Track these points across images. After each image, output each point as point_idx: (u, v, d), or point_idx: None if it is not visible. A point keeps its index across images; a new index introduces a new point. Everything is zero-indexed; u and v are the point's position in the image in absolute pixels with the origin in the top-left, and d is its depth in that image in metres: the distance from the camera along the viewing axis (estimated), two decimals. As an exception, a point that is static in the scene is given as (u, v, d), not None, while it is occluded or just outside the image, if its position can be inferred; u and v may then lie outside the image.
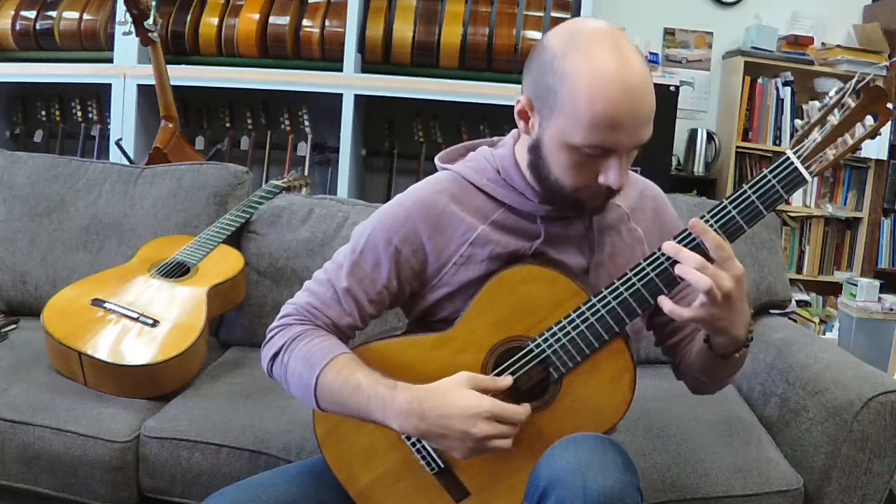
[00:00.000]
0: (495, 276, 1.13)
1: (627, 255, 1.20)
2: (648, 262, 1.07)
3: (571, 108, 1.01)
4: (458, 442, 1.03)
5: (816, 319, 3.70)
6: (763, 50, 3.82)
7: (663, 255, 1.06)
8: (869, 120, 1.03)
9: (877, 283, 3.28)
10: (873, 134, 1.03)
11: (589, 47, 1.01)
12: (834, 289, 3.84)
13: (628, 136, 1.02)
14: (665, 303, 1.04)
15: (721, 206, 1.05)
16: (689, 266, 1.01)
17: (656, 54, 3.99)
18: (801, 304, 3.77)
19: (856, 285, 3.27)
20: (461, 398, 1.03)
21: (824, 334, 3.58)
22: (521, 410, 1.05)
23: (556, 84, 1.02)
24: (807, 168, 1.03)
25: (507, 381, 1.08)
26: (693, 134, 3.95)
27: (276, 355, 1.17)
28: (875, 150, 3.72)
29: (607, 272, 1.18)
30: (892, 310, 3.16)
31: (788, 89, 3.86)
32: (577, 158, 1.05)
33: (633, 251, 1.21)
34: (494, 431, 1.02)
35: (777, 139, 3.89)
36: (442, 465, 1.14)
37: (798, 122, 1.20)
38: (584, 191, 1.09)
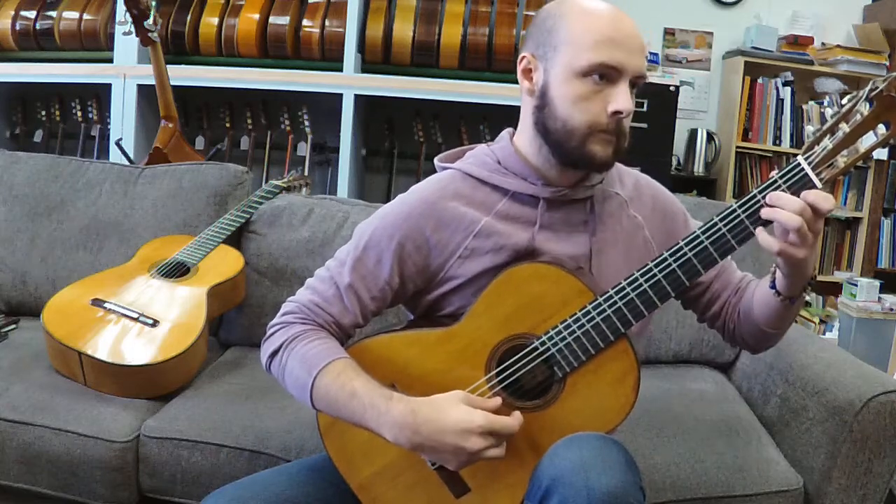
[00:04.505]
0: (502, 272, 1.13)
1: (629, 241, 1.22)
2: (656, 263, 1.08)
3: (572, 36, 1.09)
4: (452, 455, 1.04)
5: (816, 319, 3.70)
6: (763, 50, 3.82)
7: (671, 257, 1.07)
8: (881, 128, 1.03)
9: (877, 283, 3.27)
10: (885, 143, 1.03)
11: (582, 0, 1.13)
12: (834, 289, 3.84)
13: (629, 55, 1.08)
14: (760, 234, 1.04)
15: (730, 210, 1.05)
16: (785, 207, 1.01)
17: (656, 54, 4.00)
18: (801, 304, 3.77)
19: (856, 285, 3.27)
20: (455, 413, 1.03)
21: (824, 334, 3.58)
22: (513, 423, 1.05)
23: (556, 24, 1.12)
24: (817, 175, 1.03)
25: (496, 401, 1.08)
26: (693, 134, 3.95)
27: (274, 353, 1.17)
28: (875, 150, 3.72)
29: (610, 258, 1.19)
30: (892, 310, 3.16)
31: (788, 89, 3.86)
32: (585, 88, 1.09)
33: (633, 237, 1.22)
34: (486, 445, 1.03)
35: (777, 139, 3.90)
36: None
37: (809, 128, 1.20)
38: (594, 134, 1.10)
